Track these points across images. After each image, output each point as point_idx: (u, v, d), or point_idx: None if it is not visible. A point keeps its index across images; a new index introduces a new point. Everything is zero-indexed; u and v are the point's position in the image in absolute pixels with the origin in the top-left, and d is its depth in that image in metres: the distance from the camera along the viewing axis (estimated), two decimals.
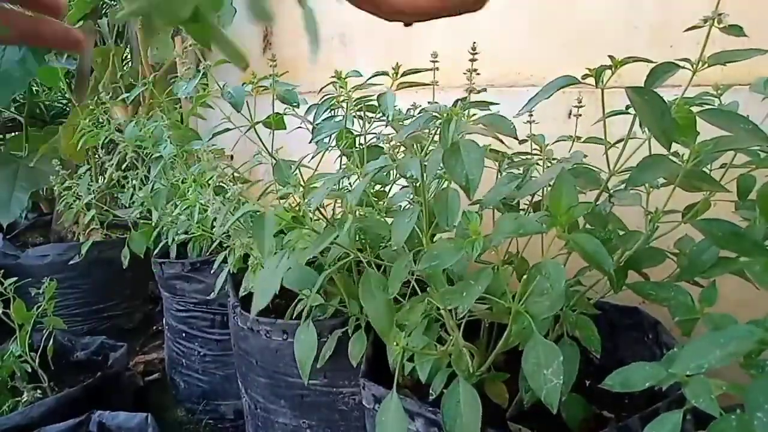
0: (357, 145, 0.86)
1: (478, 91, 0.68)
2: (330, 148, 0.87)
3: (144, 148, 1.30)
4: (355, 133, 0.87)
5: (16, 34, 0.39)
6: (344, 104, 0.84)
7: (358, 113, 0.86)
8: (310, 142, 0.87)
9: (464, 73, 0.67)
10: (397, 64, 0.83)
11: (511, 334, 0.56)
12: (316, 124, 0.88)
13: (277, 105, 0.95)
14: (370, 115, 0.87)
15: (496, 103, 0.69)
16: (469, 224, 0.55)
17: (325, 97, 0.86)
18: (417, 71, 0.82)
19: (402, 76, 0.83)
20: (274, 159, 0.87)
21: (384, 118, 0.85)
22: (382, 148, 0.81)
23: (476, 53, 0.67)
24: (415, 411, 0.63)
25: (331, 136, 0.84)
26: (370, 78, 0.85)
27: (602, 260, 0.53)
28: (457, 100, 0.69)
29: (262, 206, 0.58)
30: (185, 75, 1.67)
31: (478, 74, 0.67)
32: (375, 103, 0.83)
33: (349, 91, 0.83)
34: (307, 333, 0.79)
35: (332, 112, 0.88)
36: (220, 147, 1.14)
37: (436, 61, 0.78)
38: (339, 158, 0.92)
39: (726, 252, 0.55)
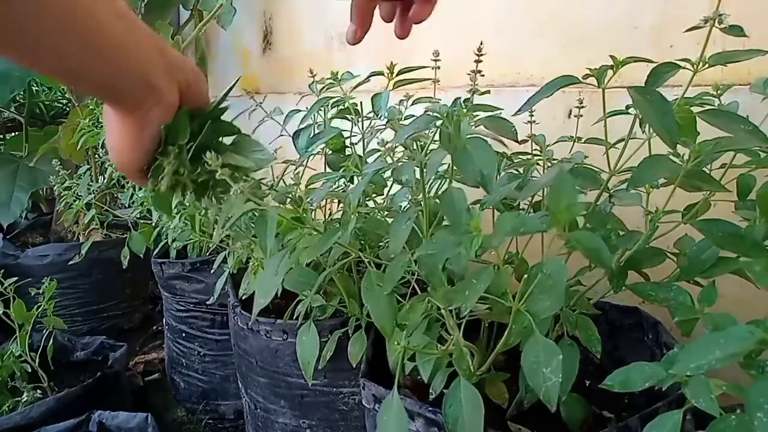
0: (351, 146, 0.86)
1: (481, 93, 0.68)
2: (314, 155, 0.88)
3: None
4: (356, 133, 0.87)
5: None
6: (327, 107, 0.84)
7: (353, 114, 0.86)
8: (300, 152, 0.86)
9: (468, 74, 0.67)
10: (392, 63, 0.82)
11: (511, 334, 0.56)
12: (294, 134, 0.88)
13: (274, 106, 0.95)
14: (367, 115, 0.87)
15: (500, 109, 0.69)
16: (470, 221, 0.55)
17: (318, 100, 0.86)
18: (412, 69, 0.82)
19: (398, 74, 0.83)
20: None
21: (377, 117, 0.85)
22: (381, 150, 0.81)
23: (482, 54, 0.67)
24: (415, 411, 0.63)
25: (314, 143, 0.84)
26: (364, 80, 0.85)
27: (603, 256, 0.53)
28: (456, 98, 0.69)
29: (265, 205, 0.58)
30: None
31: (482, 75, 0.67)
32: (358, 103, 0.83)
33: (347, 92, 0.83)
34: (309, 334, 0.79)
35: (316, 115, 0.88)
36: None
37: (438, 60, 0.78)
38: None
39: (726, 252, 0.55)
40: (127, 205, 1.51)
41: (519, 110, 0.61)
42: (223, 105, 0.52)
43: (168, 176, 0.49)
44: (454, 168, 0.67)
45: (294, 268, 0.77)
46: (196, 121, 0.51)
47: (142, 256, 1.50)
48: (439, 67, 0.78)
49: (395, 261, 0.64)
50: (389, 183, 0.85)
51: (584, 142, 0.79)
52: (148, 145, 0.49)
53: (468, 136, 0.58)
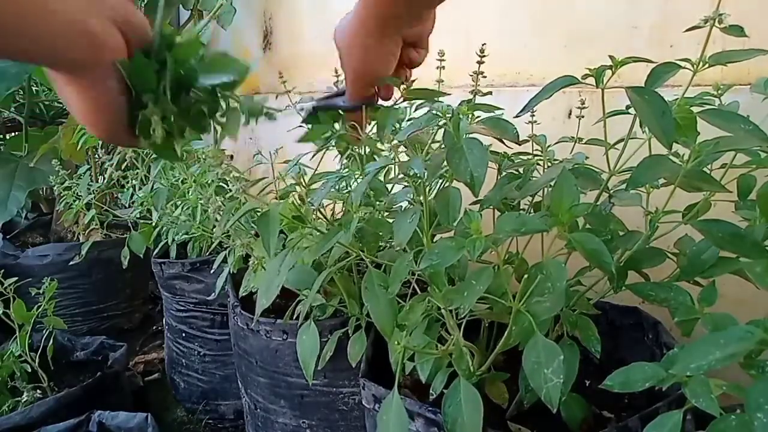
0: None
1: (483, 94, 0.68)
2: (330, 147, 0.87)
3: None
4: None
5: None
6: None
7: None
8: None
9: (471, 75, 0.67)
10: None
11: (511, 334, 0.56)
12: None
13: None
14: None
15: (501, 108, 0.69)
16: (470, 223, 0.55)
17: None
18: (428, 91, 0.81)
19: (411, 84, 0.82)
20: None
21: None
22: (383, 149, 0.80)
23: (485, 55, 0.67)
24: (415, 411, 0.63)
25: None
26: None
27: (603, 258, 0.53)
28: (462, 101, 0.69)
29: (266, 204, 0.58)
30: None
31: (484, 76, 0.67)
32: None
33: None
34: (309, 334, 0.79)
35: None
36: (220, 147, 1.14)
37: (443, 60, 0.77)
38: (339, 157, 0.92)
39: (726, 252, 0.55)
40: (127, 205, 1.51)
41: (520, 112, 0.61)
42: (169, 30, 0.47)
43: (158, 127, 0.46)
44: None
45: (296, 266, 0.77)
46: (154, 56, 0.46)
47: (142, 256, 1.50)
48: (444, 68, 0.78)
49: (399, 261, 0.64)
50: (391, 185, 0.85)
51: (585, 143, 0.79)
52: (115, 103, 0.45)
53: (467, 136, 0.58)
